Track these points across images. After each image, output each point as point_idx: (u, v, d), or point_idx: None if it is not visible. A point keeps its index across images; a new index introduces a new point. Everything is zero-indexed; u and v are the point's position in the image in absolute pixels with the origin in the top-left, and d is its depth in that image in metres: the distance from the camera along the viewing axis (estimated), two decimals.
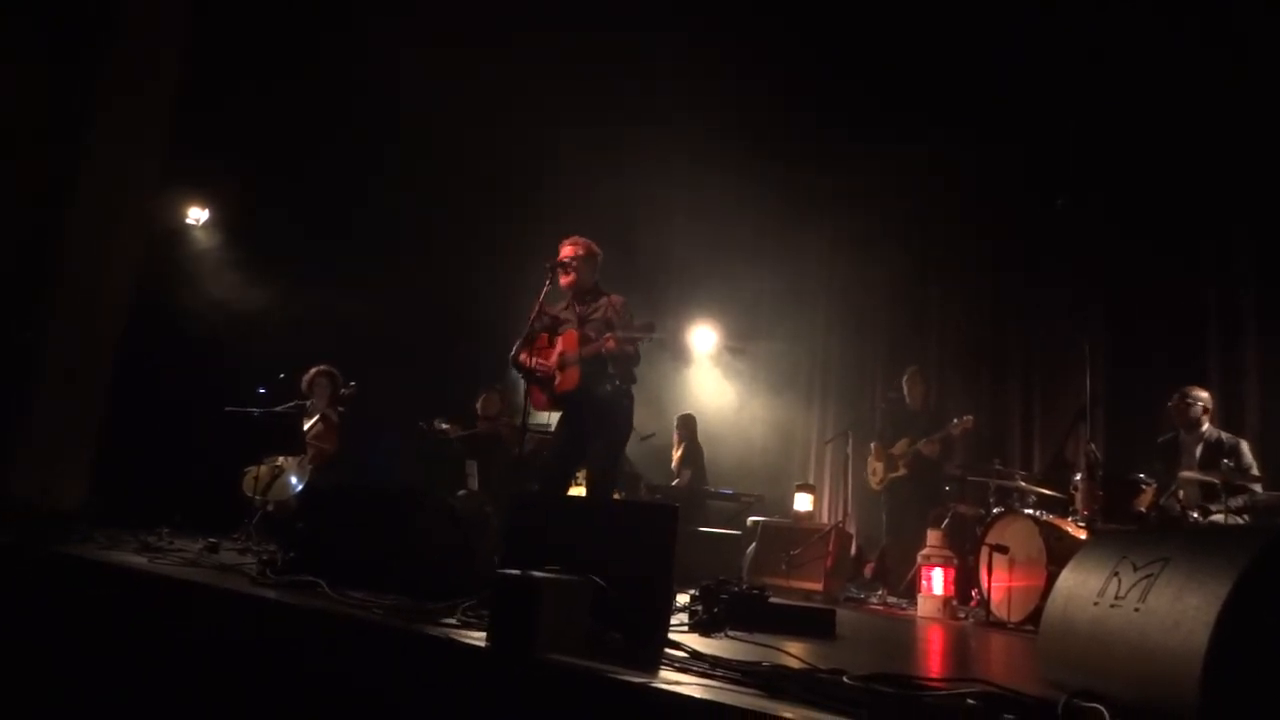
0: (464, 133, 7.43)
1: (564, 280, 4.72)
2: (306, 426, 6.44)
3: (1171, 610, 1.77)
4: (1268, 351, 6.09)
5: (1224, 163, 6.41)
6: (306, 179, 7.72)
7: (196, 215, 7.97)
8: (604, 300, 4.70)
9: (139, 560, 3.68)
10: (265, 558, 3.82)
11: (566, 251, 4.76)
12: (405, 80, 7.13)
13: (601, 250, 4.86)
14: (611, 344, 4.42)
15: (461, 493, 6.96)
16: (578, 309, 4.77)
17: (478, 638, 2.36)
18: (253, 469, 5.83)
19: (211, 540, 4.49)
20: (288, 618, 2.79)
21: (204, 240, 7.94)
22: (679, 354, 9.14)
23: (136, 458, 6.32)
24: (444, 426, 7.50)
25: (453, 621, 2.61)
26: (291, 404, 6.57)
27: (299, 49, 7.35)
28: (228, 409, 5.76)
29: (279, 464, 6.02)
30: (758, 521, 6.73)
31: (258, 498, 5.62)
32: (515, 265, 6.74)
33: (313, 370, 6.79)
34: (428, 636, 2.42)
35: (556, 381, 4.67)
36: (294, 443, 5.90)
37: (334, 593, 2.98)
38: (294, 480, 6.07)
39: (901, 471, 6.83)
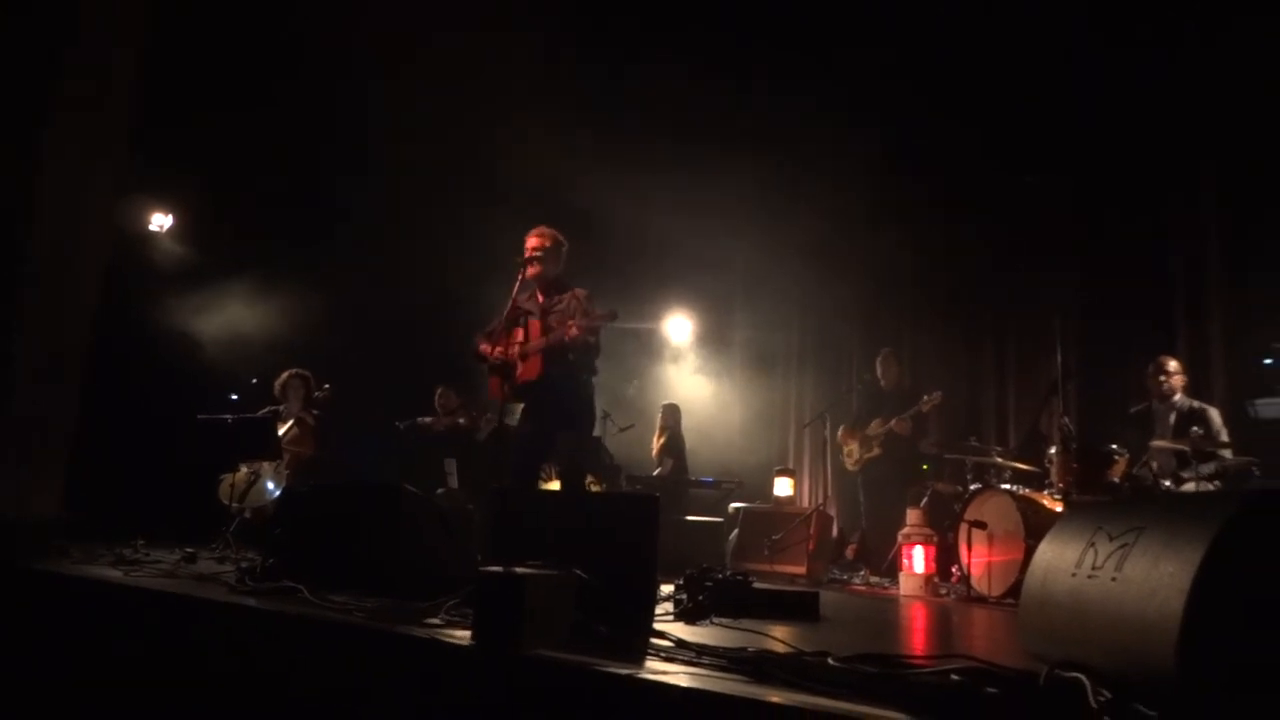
0: (429, 129, 7.36)
1: (530, 271, 4.72)
2: (281, 431, 6.37)
3: (1147, 578, 1.79)
4: (1231, 321, 6.21)
5: (1190, 139, 6.51)
6: (271, 181, 7.62)
7: (160, 222, 7.85)
8: (568, 293, 4.69)
9: (114, 574, 3.61)
10: (244, 565, 3.77)
11: (532, 243, 4.75)
12: (369, 77, 7.05)
13: (568, 241, 4.86)
14: (574, 331, 4.41)
15: (441, 491, 6.94)
16: (541, 300, 4.76)
17: (463, 636, 2.35)
18: (228, 476, 5.76)
19: (188, 550, 4.42)
20: (268, 625, 2.76)
21: (169, 246, 7.83)
22: (655, 344, 9.14)
23: (109, 470, 6.22)
24: (427, 420, 7.54)
25: (437, 621, 2.60)
26: (266, 409, 6.50)
27: (260, 49, 7.24)
28: (200, 416, 5.68)
29: (255, 470, 5.95)
30: (739, 508, 6.75)
31: (234, 505, 5.56)
32: (486, 260, 6.70)
33: (286, 373, 6.72)
34: (412, 637, 2.40)
35: (518, 371, 4.66)
36: (269, 448, 5.83)
37: (315, 598, 2.95)
38: (271, 486, 6.01)
39: (876, 451, 6.89)
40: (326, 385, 6.72)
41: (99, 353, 6.25)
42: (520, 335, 4.73)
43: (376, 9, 6.78)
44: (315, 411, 6.68)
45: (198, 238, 7.85)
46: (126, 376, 6.68)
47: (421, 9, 6.78)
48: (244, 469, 5.84)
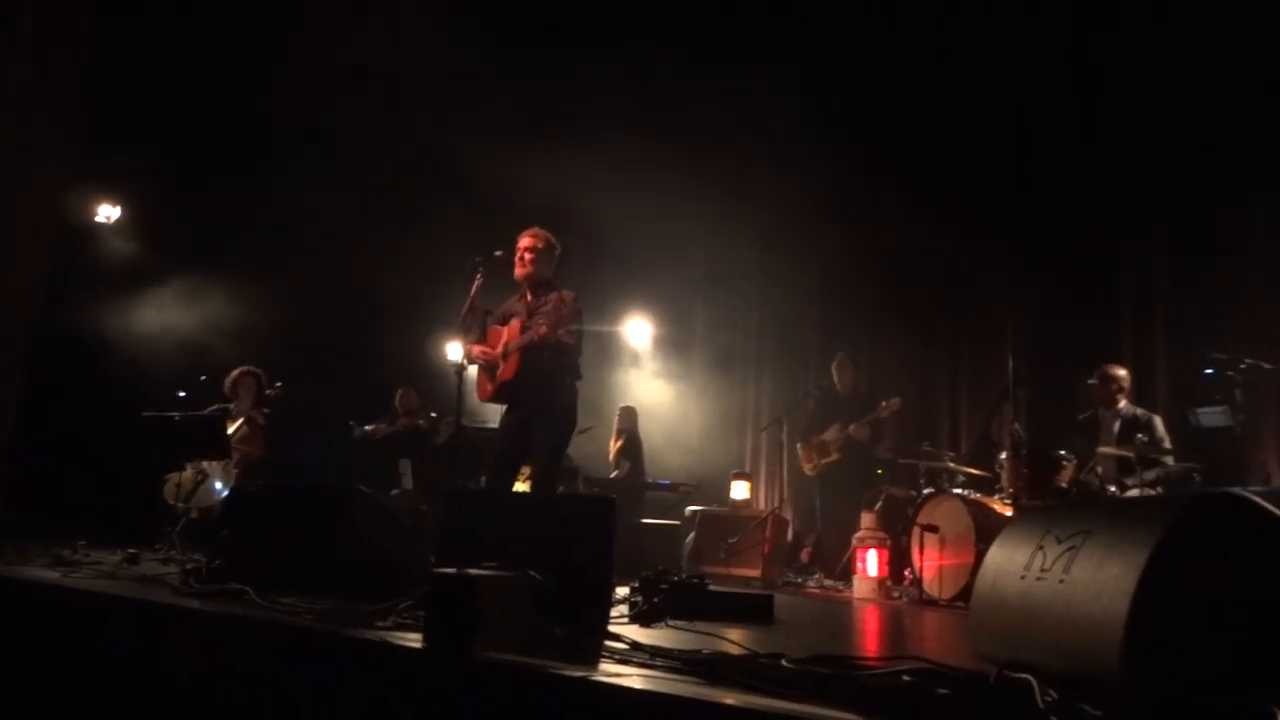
0: (382, 126, 7.27)
1: (519, 271, 4.72)
2: (231, 430, 6.23)
3: (1093, 580, 1.83)
4: (1175, 332, 6.39)
5: (1139, 156, 6.70)
6: (221, 175, 7.47)
7: (108, 213, 7.63)
8: (554, 295, 4.67)
9: (51, 575, 3.50)
10: (189, 567, 3.68)
11: (525, 243, 4.74)
12: (320, 74, 6.96)
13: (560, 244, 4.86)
14: (543, 329, 4.40)
15: (395, 492, 6.85)
16: (529, 300, 4.76)
17: (415, 639, 2.31)
18: (174, 475, 5.63)
19: (131, 551, 4.30)
20: (214, 628, 2.69)
21: (116, 238, 7.61)
22: (614, 347, 9.12)
23: (48, 468, 6.03)
24: (368, 429, 7.41)
25: (388, 624, 2.55)
26: (215, 407, 6.36)
27: (208, 42, 7.10)
28: (145, 414, 5.53)
29: (202, 469, 5.81)
30: (696, 511, 6.77)
31: (180, 505, 5.42)
32: (438, 261, 6.64)
33: (236, 371, 6.59)
34: (362, 640, 2.36)
35: (499, 370, 4.65)
36: (218, 446, 5.69)
37: (263, 600, 2.88)
38: (219, 485, 5.88)
39: (835, 456, 6.94)
40: (279, 383, 6.60)
41: (39, 347, 6.07)
42: (506, 335, 4.72)
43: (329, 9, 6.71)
44: (266, 410, 6.55)
45: (147, 230, 7.65)
46: (69, 372, 6.49)
47: (372, 11, 6.73)
48: (191, 468, 5.70)
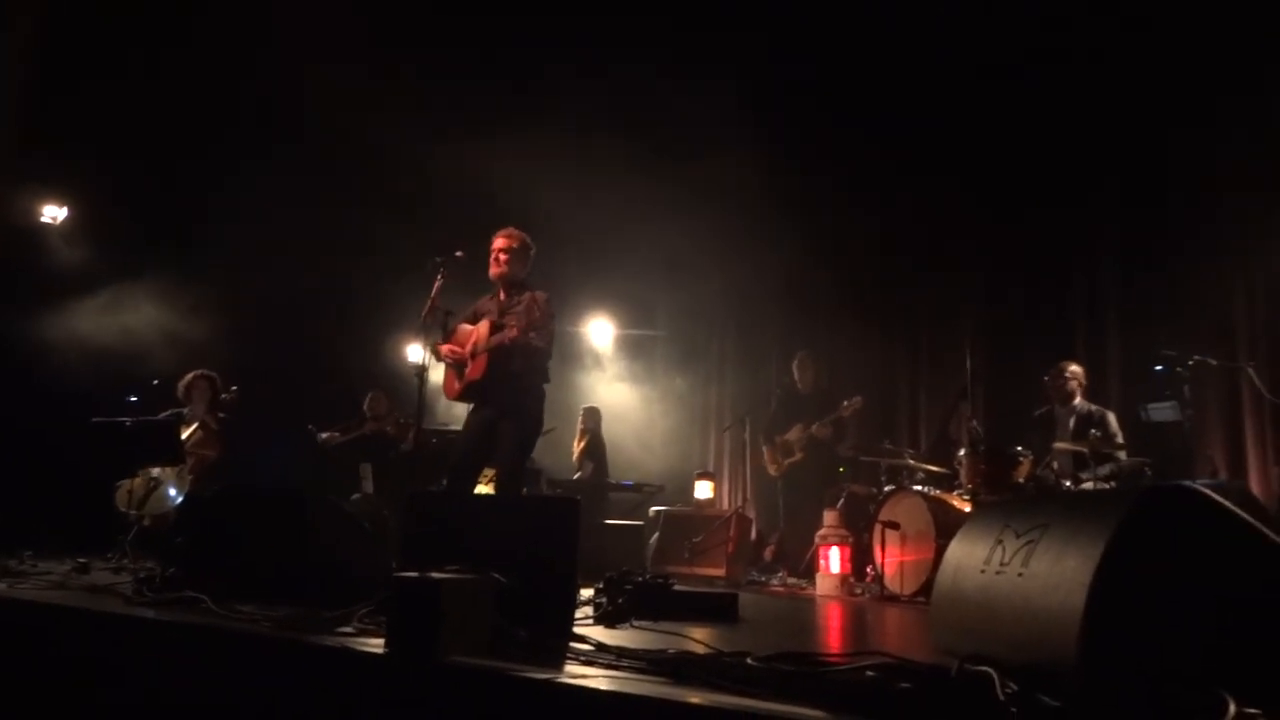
0: (341, 128, 7.17)
1: (494, 271, 4.72)
2: (185, 434, 6.10)
3: (1051, 573, 1.86)
4: (1127, 329, 6.55)
5: (1089, 160, 6.85)
6: (174, 175, 7.32)
7: (54, 214, 7.43)
8: (527, 295, 4.64)
9: None
10: (142, 576, 3.58)
11: (500, 243, 4.74)
12: (277, 75, 6.85)
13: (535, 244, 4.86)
14: (514, 333, 4.38)
15: (356, 496, 6.75)
16: (502, 300, 4.74)
17: (376, 644, 2.28)
18: (126, 482, 5.48)
19: (81, 560, 4.18)
20: (169, 638, 2.62)
21: (63, 239, 7.41)
22: (577, 347, 9.10)
23: None
24: (323, 436, 7.30)
25: (349, 629, 2.52)
26: (169, 412, 6.22)
27: (161, 40, 6.96)
28: (95, 419, 5.39)
29: (155, 475, 5.68)
30: (660, 511, 6.77)
31: (133, 512, 5.29)
32: (397, 262, 6.57)
33: (190, 374, 6.45)
34: (323, 647, 2.32)
35: (467, 369, 4.63)
36: (171, 452, 5.56)
37: (219, 608, 2.82)
38: (172, 492, 5.75)
39: (798, 456, 6.99)
40: (234, 387, 6.47)
41: None
42: (476, 334, 4.70)
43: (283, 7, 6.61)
44: (221, 414, 6.42)
45: (96, 231, 7.45)
46: (14, 376, 6.31)
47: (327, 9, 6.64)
48: (143, 474, 5.56)
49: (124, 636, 2.71)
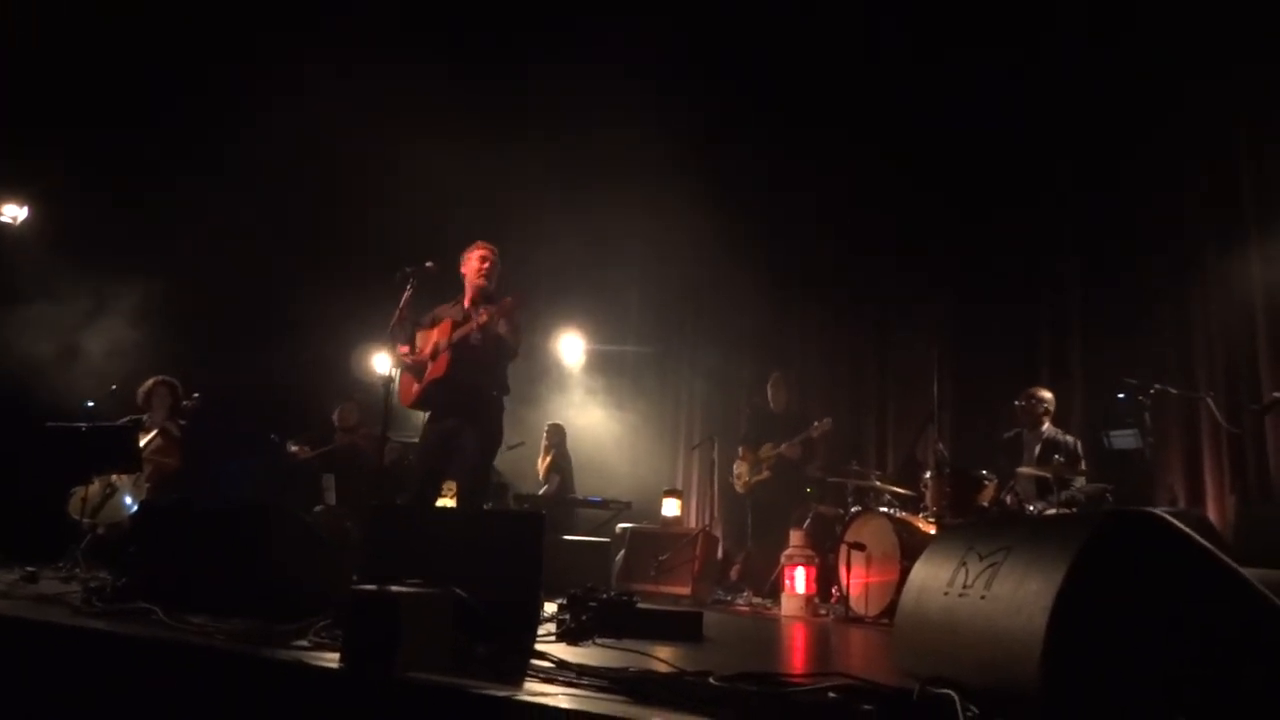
0: (307, 136, 7.10)
1: (479, 282, 4.76)
2: (144, 441, 5.97)
3: (1014, 596, 1.87)
4: (1091, 356, 6.65)
5: (1052, 187, 6.97)
6: (137, 177, 7.20)
7: (14, 213, 7.27)
8: (499, 301, 4.66)
9: None
10: (93, 585, 3.49)
11: (483, 253, 4.80)
12: (246, 80, 6.80)
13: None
14: (483, 318, 4.40)
15: (319, 508, 6.64)
16: (466, 307, 4.74)
17: (332, 659, 2.23)
18: (80, 489, 5.34)
19: (29, 569, 4.06)
20: (117, 650, 2.55)
21: (21, 240, 7.24)
22: (546, 363, 9.06)
23: None
24: (293, 449, 7.16)
25: (305, 643, 2.47)
26: (127, 418, 6.09)
27: (124, 39, 6.87)
28: (49, 424, 5.25)
29: (111, 483, 5.55)
30: (627, 528, 6.74)
31: (86, 520, 5.16)
32: (365, 274, 6.51)
33: (150, 380, 6.32)
34: (277, 661, 2.27)
35: (428, 370, 4.59)
36: (129, 459, 5.44)
37: (171, 619, 2.75)
38: (129, 500, 5.61)
39: (765, 474, 7.00)
40: (196, 394, 6.35)
41: None
42: (436, 335, 4.69)
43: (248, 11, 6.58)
44: (182, 422, 6.30)
45: (55, 231, 7.30)
46: None
47: (300, 26, 6.62)
48: (99, 481, 5.43)
49: (71, 648, 2.63)
